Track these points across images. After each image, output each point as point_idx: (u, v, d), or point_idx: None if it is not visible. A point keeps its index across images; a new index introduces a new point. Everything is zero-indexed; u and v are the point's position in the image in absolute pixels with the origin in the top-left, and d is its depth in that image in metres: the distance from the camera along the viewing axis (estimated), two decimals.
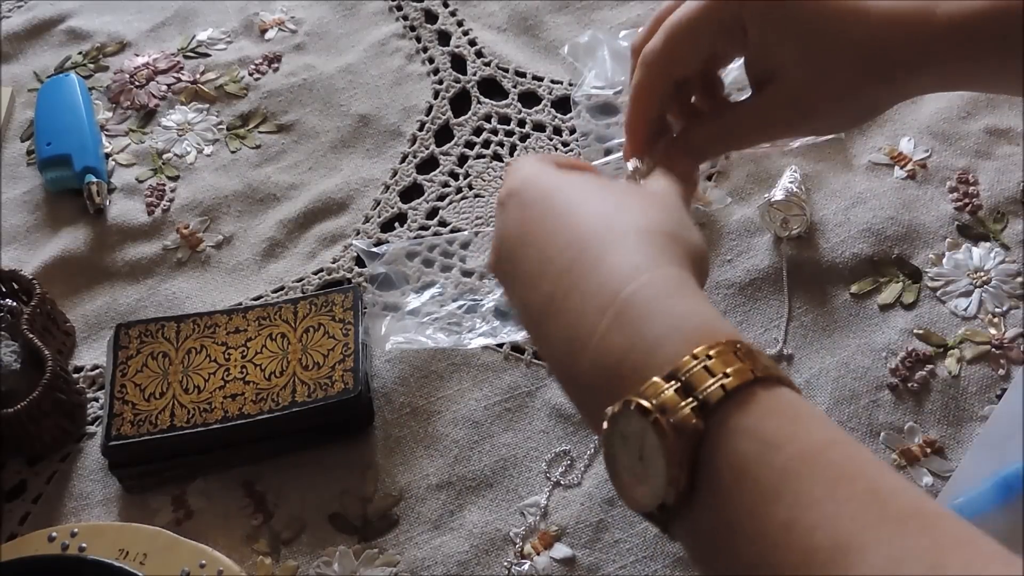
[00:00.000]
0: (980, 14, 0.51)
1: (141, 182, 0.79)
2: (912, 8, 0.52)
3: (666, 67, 0.53)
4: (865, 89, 0.54)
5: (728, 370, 0.36)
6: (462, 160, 0.78)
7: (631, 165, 0.55)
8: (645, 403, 0.36)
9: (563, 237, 0.44)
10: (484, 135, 0.79)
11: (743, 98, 0.56)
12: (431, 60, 0.84)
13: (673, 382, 0.36)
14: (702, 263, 0.45)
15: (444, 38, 0.85)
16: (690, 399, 0.35)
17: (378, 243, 0.73)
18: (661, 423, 0.35)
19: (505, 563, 0.59)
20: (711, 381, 0.35)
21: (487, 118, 0.80)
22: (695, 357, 0.36)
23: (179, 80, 0.85)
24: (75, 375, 0.69)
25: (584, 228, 0.43)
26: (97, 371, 0.69)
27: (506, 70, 0.82)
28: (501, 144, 0.78)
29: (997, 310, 0.64)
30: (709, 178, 0.73)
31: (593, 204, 0.45)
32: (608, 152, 0.75)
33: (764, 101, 0.54)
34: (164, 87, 0.84)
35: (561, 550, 0.59)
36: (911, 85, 0.55)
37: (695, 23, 0.53)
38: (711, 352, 0.36)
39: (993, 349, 0.63)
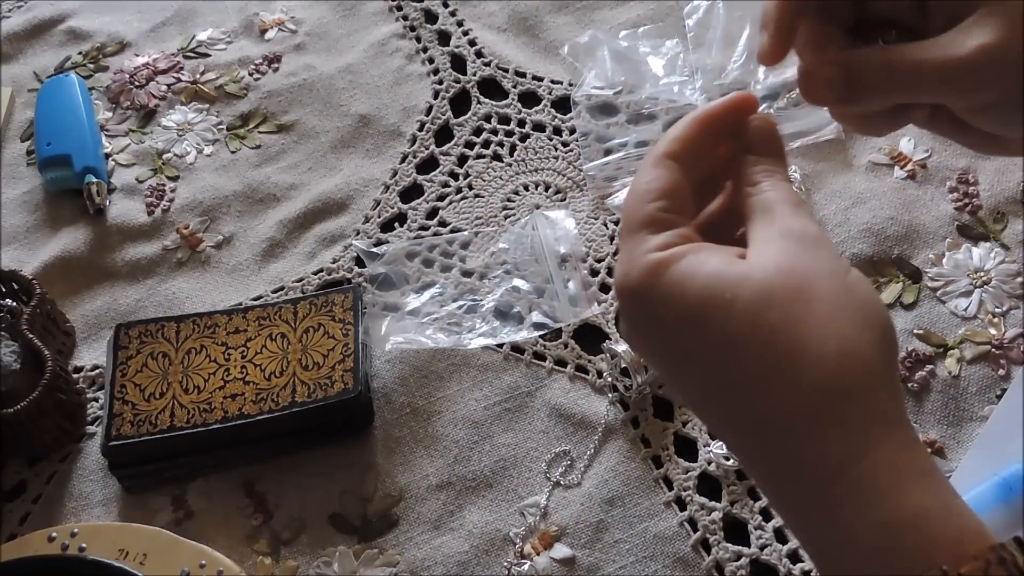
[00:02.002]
0: None
1: (141, 182, 0.79)
2: None
3: None
4: None
5: None
6: (462, 160, 0.78)
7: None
8: None
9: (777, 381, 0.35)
10: (484, 135, 0.79)
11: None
12: (431, 60, 0.84)
13: None
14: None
15: (444, 38, 0.85)
16: None
17: (378, 243, 0.73)
18: None
19: (505, 563, 0.59)
20: None
21: (487, 118, 0.80)
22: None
23: (179, 80, 0.85)
24: (75, 375, 0.69)
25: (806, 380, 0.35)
26: (97, 371, 0.69)
27: (506, 70, 0.82)
28: (501, 144, 0.78)
29: (997, 310, 0.64)
30: None
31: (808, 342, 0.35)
32: (608, 152, 0.75)
33: (961, 27, 0.41)
34: (164, 87, 0.84)
35: (561, 550, 0.59)
36: None
37: None
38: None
39: (993, 349, 0.63)
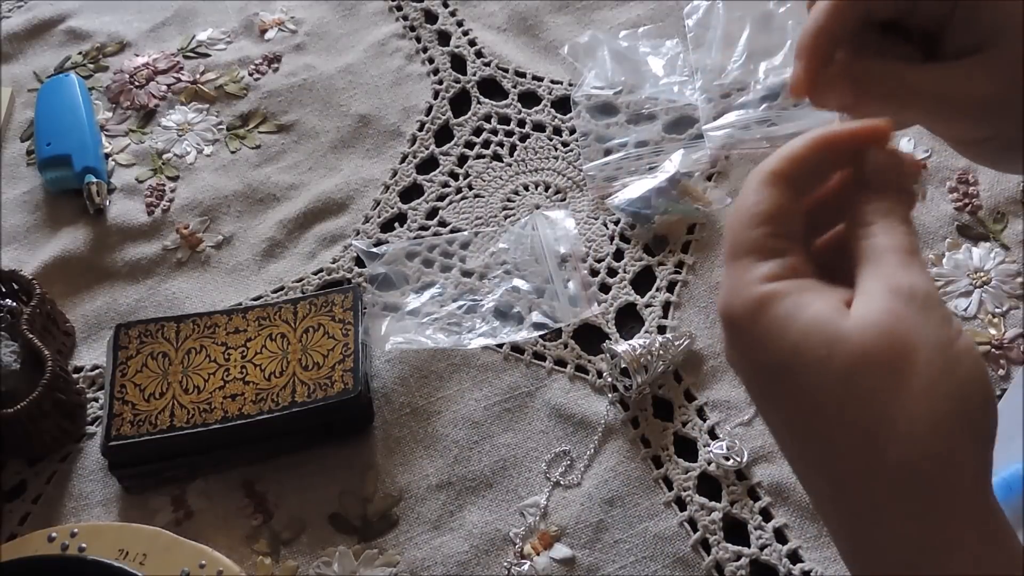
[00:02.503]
0: None
1: (141, 182, 0.79)
2: None
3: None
4: None
5: None
6: (462, 160, 0.78)
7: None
8: None
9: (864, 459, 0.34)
10: (484, 135, 0.79)
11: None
12: (431, 60, 0.84)
13: None
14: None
15: (444, 38, 0.85)
16: None
17: (378, 243, 0.73)
18: None
19: (505, 563, 0.59)
20: None
21: (487, 118, 0.80)
22: None
23: (179, 80, 0.85)
24: (75, 375, 0.69)
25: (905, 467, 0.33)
26: (97, 371, 0.69)
27: (506, 70, 0.82)
28: (501, 144, 0.78)
29: (997, 310, 0.64)
30: (709, 178, 0.73)
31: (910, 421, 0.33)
32: (608, 152, 0.75)
33: (968, 63, 0.41)
34: (164, 87, 0.84)
35: (561, 550, 0.59)
36: None
37: None
38: None
39: (993, 349, 0.63)
